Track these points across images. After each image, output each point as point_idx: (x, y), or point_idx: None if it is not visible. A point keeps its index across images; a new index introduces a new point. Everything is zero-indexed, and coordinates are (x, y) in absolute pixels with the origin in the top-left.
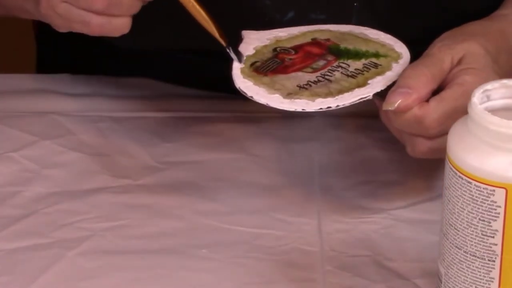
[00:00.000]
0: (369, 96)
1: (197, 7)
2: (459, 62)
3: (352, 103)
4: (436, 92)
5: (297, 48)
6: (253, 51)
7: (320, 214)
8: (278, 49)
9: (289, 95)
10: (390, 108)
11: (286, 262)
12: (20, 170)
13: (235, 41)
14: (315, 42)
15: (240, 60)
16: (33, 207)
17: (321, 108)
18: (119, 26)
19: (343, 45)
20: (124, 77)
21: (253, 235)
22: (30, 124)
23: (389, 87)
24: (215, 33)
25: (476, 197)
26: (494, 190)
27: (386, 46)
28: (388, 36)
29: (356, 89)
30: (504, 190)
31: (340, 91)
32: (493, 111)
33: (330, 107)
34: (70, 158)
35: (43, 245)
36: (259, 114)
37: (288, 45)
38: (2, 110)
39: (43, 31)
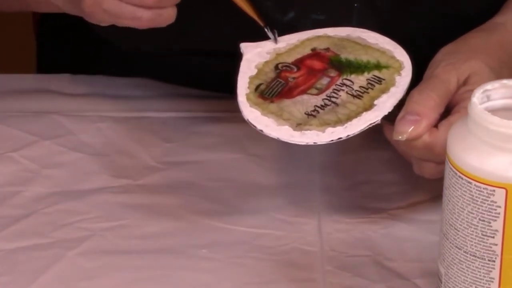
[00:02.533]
0: (377, 121)
1: None
2: (465, 82)
3: (361, 131)
4: (443, 112)
5: (298, 63)
6: (255, 71)
7: (320, 214)
8: (280, 66)
9: (298, 125)
10: (400, 138)
11: (286, 262)
12: (20, 170)
13: (236, 43)
14: (315, 54)
15: (276, 40)
16: (33, 207)
17: (332, 140)
18: (167, 17)
19: (343, 56)
20: (124, 77)
21: (253, 235)
22: (30, 124)
23: (395, 107)
24: (254, 15)
25: (476, 197)
26: (494, 190)
27: (386, 53)
28: (387, 39)
29: (364, 113)
30: (504, 190)
31: (349, 117)
32: (493, 111)
33: (341, 138)
34: (70, 158)
35: (43, 245)
36: None
37: (289, 59)
38: (2, 110)
39: (43, 31)
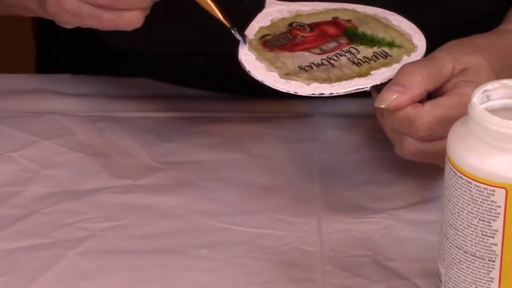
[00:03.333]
0: (366, 87)
1: None
2: (462, 72)
3: (346, 92)
4: (432, 96)
5: (313, 26)
6: (269, 23)
7: (320, 214)
8: (294, 24)
9: (286, 75)
10: (381, 106)
11: (286, 262)
12: (20, 170)
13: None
14: (334, 22)
15: (245, 42)
16: (33, 207)
17: (313, 94)
18: (130, 20)
19: (361, 29)
20: (124, 77)
21: (253, 235)
22: (30, 124)
23: (388, 81)
24: (219, 16)
25: (476, 197)
26: (494, 190)
27: (405, 36)
28: (412, 25)
29: (356, 79)
30: (504, 190)
31: (339, 78)
32: (493, 111)
33: (323, 93)
34: (70, 158)
35: (43, 245)
36: (259, 114)
37: (307, 21)
38: (2, 110)
39: (42, 31)
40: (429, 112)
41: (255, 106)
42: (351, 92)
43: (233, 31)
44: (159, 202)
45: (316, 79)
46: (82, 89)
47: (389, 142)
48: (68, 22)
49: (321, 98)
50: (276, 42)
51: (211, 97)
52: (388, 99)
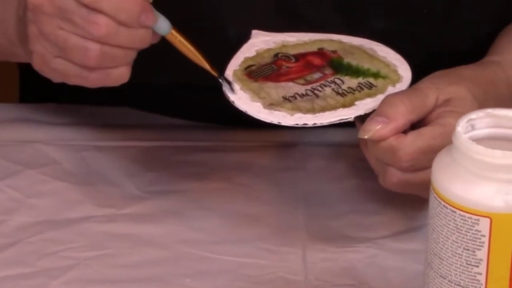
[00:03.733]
0: (350, 118)
1: (185, 42)
2: (445, 103)
3: (330, 123)
4: (416, 127)
5: (299, 57)
6: (254, 53)
7: (305, 243)
8: (279, 55)
9: (270, 105)
10: (365, 137)
11: None
12: (5, 200)
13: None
14: (319, 52)
15: (232, 90)
16: (18, 236)
17: (297, 124)
18: (117, 77)
19: (347, 60)
20: (108, 107)
21: (237, 264)
22: (14, 153)
23: (372, 112)
24: (206, 66)
25: (461, 226)
26: (478, 219)
27: (390, 66)
28: (398, 56)
29: (340, 109)
30: (488, 220)
31: (323, 109)
32: (478, 140)
33: (306, 124)
34: (54, 187)
35: (28, 274)
36: (244, 143)
37: (292, 51)
38: None
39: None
40: (412, 143)
41: (240, 135)
42: (334, 122)
43: (221, 80)
44: (143, 231)
45: (300, 110)
46: (66, 118)
47: (373, 172)
48: (55, 78)
49: (306, 128)
50: (261, 73)
51: (195, 126)
52: (372, 130)
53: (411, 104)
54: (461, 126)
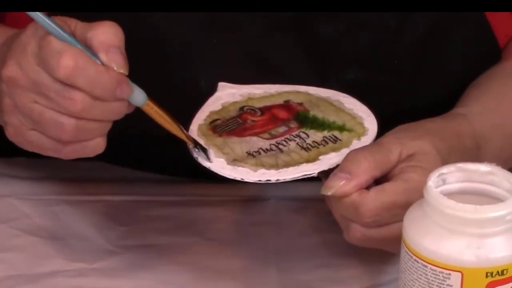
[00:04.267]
0: (313, 173)
1: (160, 112)
2: (409, 158)
3: (293, 179)
4: (380, 181)
5: (264, 110)
6: (220, 107)
7: None
8: (245, 108)
9: (234, 161)
10: (328, 193)
11: None
12: None
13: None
14: (285, 105)
15: (208, 158)
16: None
17: (260, 180)
18: (93, 148)
19: (313, 112)
20: (79, 161)
21: None
22: None
23: (336, 167)
24: (182, 136)
25: (432, 280)
26: (450, 274)
27: (356, 119)
28: (364, 108)
29: (304, 164)
30: (460, 274)
31: (287, 164)
32: (449, 194)
33: (269, 180)
34: (25, 241)
35: None
36: (214, 198)
37: (258, 104)
38: None
39: None
40: (374, 199)
41: (211, 190)
42: (297, 178)
43: (197, 150)
44: (114, 286)
45: (263, 165)
46: (38, 173)
47: None
48: (29, 149)
49: (272, 183)
50: (226, 127)
51: (166, 181)
52: (335, 186)
53: (374, 160)
54: (432, 180)
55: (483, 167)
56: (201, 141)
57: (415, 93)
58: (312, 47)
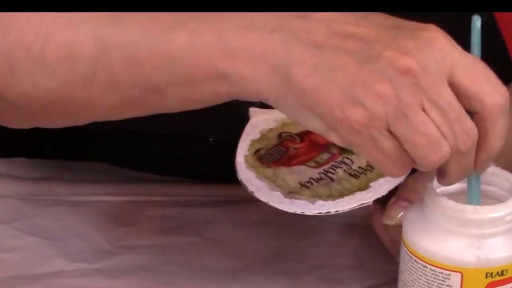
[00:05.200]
0: (369, 202)
1: None
2: None
3: (351, 209)
4: None
5: (303, 136)
6: (259, 135)
7: None
8: (283, 135)
9: (289, 193)
10: (389, 223)
11: None
12: None
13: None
14: None
15: None
16: None
17: (320, 213)
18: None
19: None
20: (79, 161)
21: None
22: None
23: (390, 192)
24: None
25: (432, 281)
26: (449, 274)
27: None
28: None
29: (357, 192)
30: (459, 274)
31: (341, 194)
32: (449, 195)
33: (329, 212)
34: (25, 242)
35: None
36: (214, 198)
37: (294, 130)
38: None
39: None
40: None
41: (211, 190)
42: (355, 207)
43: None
44: (114, 286)
45: (320, 196)
46: (37, 173)
47: (343, 227)
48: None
49: None
50: (271, 157)
51: (165, 181)
52: (396, 216)
53: None
54: (432, 181)
55: None
56: (253, 174)
57: None
58: None
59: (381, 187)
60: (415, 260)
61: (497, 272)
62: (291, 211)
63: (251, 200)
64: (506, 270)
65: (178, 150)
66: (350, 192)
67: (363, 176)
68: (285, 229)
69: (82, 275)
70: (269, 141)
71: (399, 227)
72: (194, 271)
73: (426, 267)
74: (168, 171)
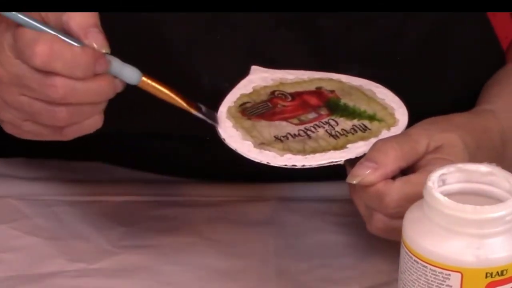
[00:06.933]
0: (340, 161)
1: (158, 86)
2: (436, 150)
3: (319, 165)
4: (406, 172)
5: (295, 95)
6: (251, 90)
7: None
8: (276, 92)
9: (261, 144)
10: (353, 182)
11: None
12: None
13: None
14: (317, 92)
15: (216, 121)
16: None
17: (286, 165)
18: (90, 125)
19: (344, 101)
20: (79, 161)
21: None
22: None
23: (363, 156)
24: (184, 105)
25: (432, 281)
26: (449, 274)
27: (388, 109)
28: (396, 99)
29: (331, 151)
30: (459, 274)
31: (314, 150)
32: (449, 195)
33: (295, 165)
34: (25, 242)
35: None
36: (214, 198)
37: (289, 90)
38: None
39: None
40: (399, 189)
41: (211, 190)
42: (324, 165)
43: (200, 115)
44: (115, 286)
45: (290, 150)
46: (37, 173)
47: (344, 226)
48: (32, 138)
49: (277, 181)
50: (255, 111)
51: (165, 181)
52: (361, 175)
53: (401, 151)
54: (432, 181)
55: (483, 168)
56: (230, 123)
57: (418, 90)
58: (315, 43)
59: (357, 149)
60: (415, 260)
61: (497, 272)
62: (257, 160)
63: (251, 200)
64: (506, 270)
65: (178, 150)
66: (323, 150)
67: (343, 138)
68: (285, 229)
69: (81, 274)
70: (259, 97)
71: (367, 191)
72: (193, 271)
73: (426, 267)
74: (168, 171)
